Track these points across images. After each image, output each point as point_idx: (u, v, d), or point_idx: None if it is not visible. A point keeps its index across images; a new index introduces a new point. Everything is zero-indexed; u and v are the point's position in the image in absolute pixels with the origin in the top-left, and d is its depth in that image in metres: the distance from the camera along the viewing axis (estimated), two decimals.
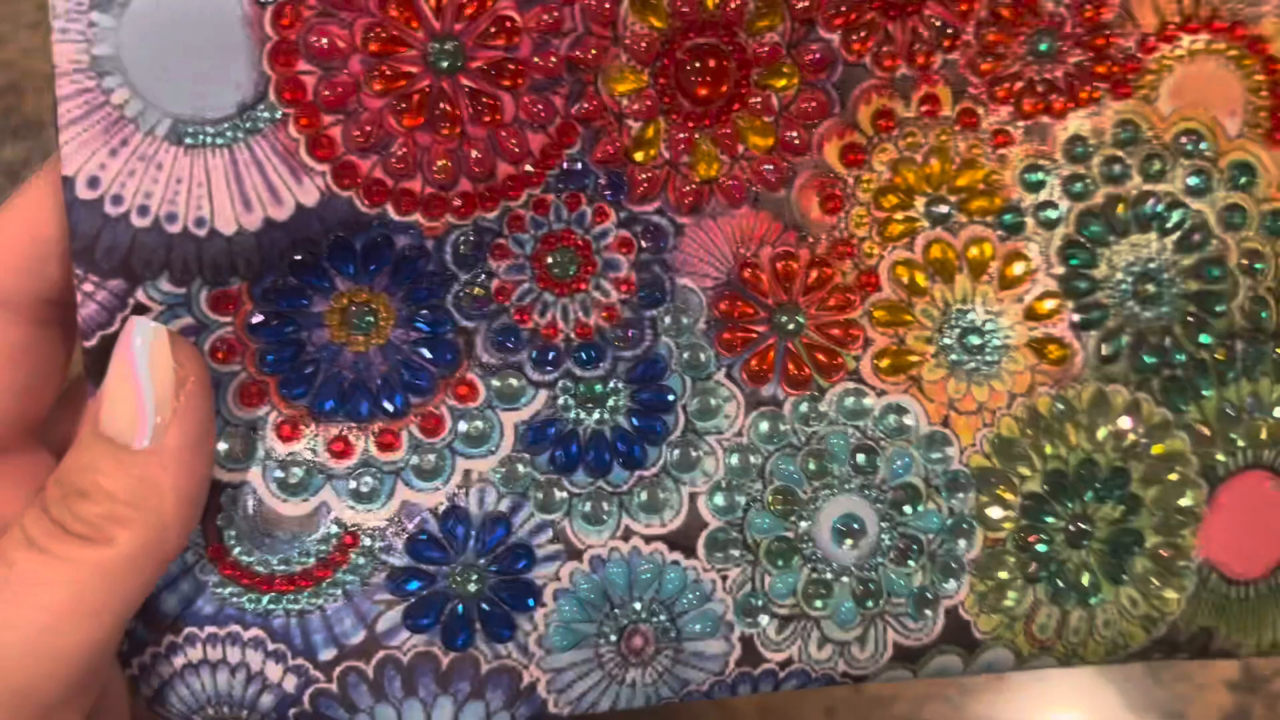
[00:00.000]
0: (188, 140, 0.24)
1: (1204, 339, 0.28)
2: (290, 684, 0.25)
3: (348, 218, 0.25)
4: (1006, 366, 0.28)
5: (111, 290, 0.24)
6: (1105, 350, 0.28)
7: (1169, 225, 0.29)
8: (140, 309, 0.24)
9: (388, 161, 0.25)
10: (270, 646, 0.25)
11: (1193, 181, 0.29)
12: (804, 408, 0.27)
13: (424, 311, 0.26)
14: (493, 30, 0.25)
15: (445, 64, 0.25)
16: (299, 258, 0.25)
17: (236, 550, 0.25)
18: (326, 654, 0.26)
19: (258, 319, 0.25)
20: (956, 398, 0.28)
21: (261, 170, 0.24)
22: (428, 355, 0.26)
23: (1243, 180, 0.29)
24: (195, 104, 0.23)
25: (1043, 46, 0.28)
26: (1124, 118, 0.29)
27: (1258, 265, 0.29)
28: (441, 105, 0.25)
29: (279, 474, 0.26)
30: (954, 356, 0.28)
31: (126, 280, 0.24)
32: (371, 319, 0.26)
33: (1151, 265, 0.29)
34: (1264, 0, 0.29)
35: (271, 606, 0.25)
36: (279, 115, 0.24)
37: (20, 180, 0.53)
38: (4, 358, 0.24)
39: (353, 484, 0.26)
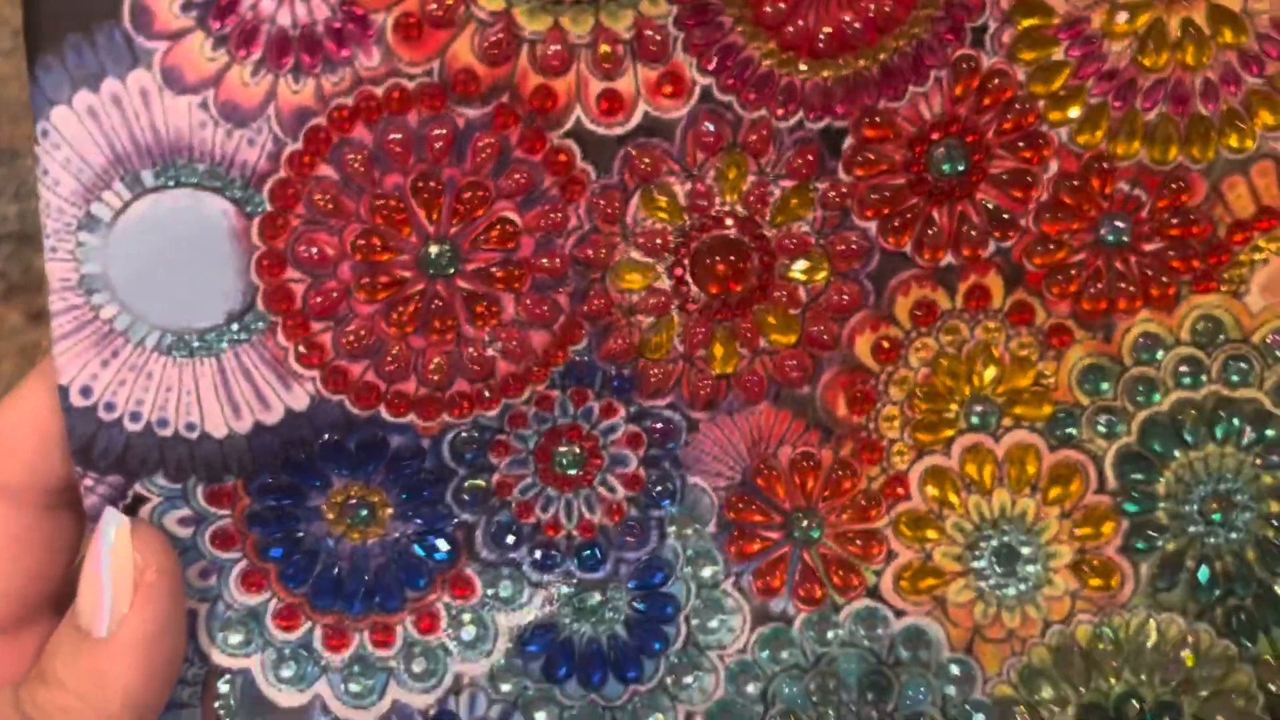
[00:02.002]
0: (176, 352, 0.23)
1: None
2: None
3: (339, 420, 0.24)
4: (1045, 591, 0.25)
5: (110, 484, 0.24)
6: (1161, 576, 0.25)
7: (1251, 439, 0.25)
8: (139, 500, 0.24)
9: (380, 365, 0.24)
10: None
11: None
12: (815, 625, 0.25)
13: (422, 506, 0.25)
14: (491, 233, 0.24)
15: (439, 268, 0.24)
16: (291, 458, 0.25)
17: None
18: None
19: (255, 513, 0.25)
20: (984, 623, 0.25)
21: (249, 378, 0.24)
22: (425, 550, 0.25)
23: None
24: (183, 316, 0.23)
25: (1110, 239, 0.25)
26: (1205, 314, 0.25)
27: None
28: (436, 307, 0.24)
29: (276, 662, 0.26)
30: (985, 579, 0.25)
31: (124, 476, 0.24)
32: (369, 512, 0.25)
33: (1225, 484, 0.25)
34: None
35: None
36: (267, 323, 0.23)
37: None
38: (12, 544, 0.25)
39: (346, 678, 0.26)
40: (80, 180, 0.22)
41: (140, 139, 0.22)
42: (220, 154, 0.22)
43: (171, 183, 0.22)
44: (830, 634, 0.25)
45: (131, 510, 0.24)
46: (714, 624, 0.26)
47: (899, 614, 0.26)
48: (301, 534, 0.25)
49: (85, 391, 0.23)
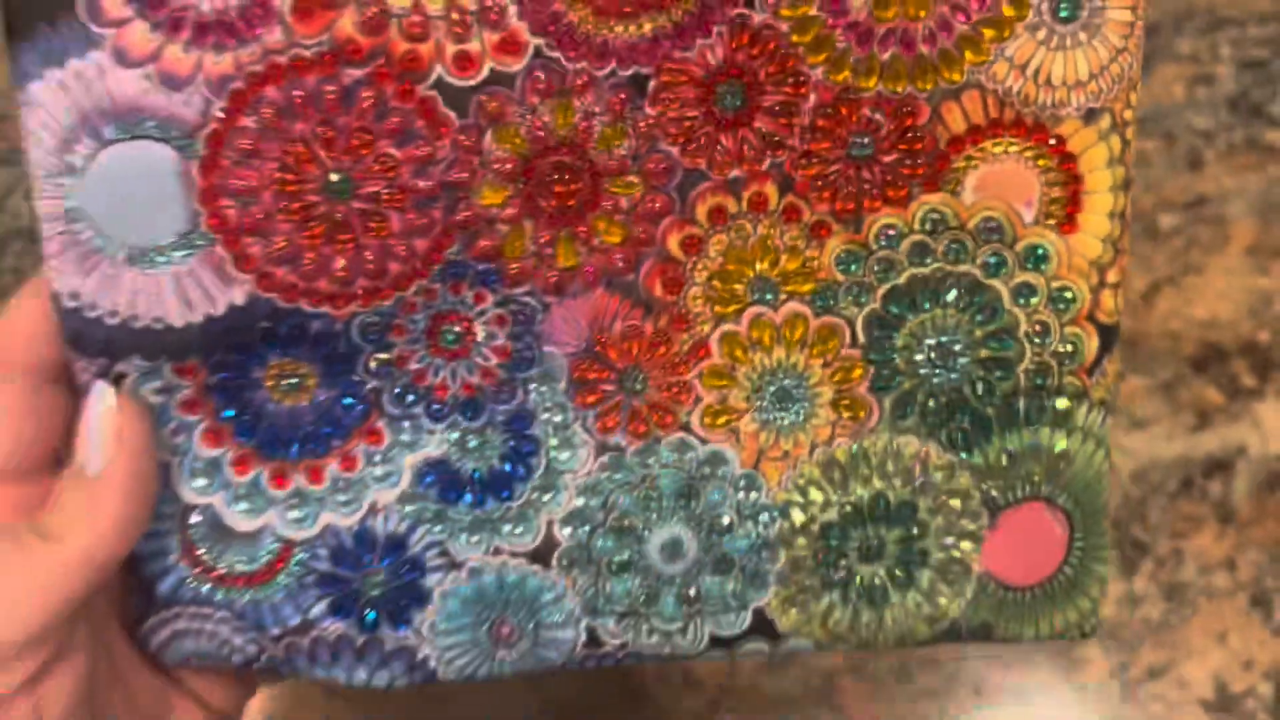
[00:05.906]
0: (140, 264, 0.31)
1: (991, 399, 0.34)
2: (251, 649, 0.34)
3: (270, 312, 0.32)
4: (812, 422, 0.34)
5: (99, 366, 0.32)
6: (899, 408, 0.34)
7: (966, 301, 0.34)
8: (121, 376, 0.32)
9: (298, 269, 0.32)
10: (234, 623, 0.34)
11: (991, 261, 0.34)
12: (642, 453, 0.34)
13: (340, 377, 0.33)
14: (377, 165, 0.31)
15: (339, 193, 0.31)
16: (237, 341, 0.32)
17: (204, 555, 0.34)
18: (274, 630, 0.34)
19: (211, 384, 0.33)
20: (766, 447, 0.34)
21: (199, 281, 0.31)
22: (344, 409, 0.33)
23: (1035, 262, 0.34)
24: (144, 236, 0.30)
25: (857, 153, 0.33)
26: (931, 208, 0.33)
27: (1044, 334, 0.34)
28: (339, 222, 0.31)
29: (234, 498, 0.34)
30: (767, 413, 0.34)
31: (108, 359, 0.32)
32: (299, 381, 0.33)
33: (946, 337, 0.34)
34: (1066, 104, 0.33)
35: (234, 596, 0.34)
36: (209, 240, 0.31)
37: (5, 207, 0.60)
38: (28, 412, 0.32)
39: (288, 508, 0.34)
40: (56, 137, 0.29)
41: (100, 103, 0.29)
42: (164, 112, 0.29)
43: (127, 135, 0.29)
44: (652, 459, 0.34)
45: (116, 383, 0.32)
46: (567, 455, 0.34)
47: (704, 442, 0.34)
48: (249, 399, 0.33)
49: (73, 296, 0.31)
